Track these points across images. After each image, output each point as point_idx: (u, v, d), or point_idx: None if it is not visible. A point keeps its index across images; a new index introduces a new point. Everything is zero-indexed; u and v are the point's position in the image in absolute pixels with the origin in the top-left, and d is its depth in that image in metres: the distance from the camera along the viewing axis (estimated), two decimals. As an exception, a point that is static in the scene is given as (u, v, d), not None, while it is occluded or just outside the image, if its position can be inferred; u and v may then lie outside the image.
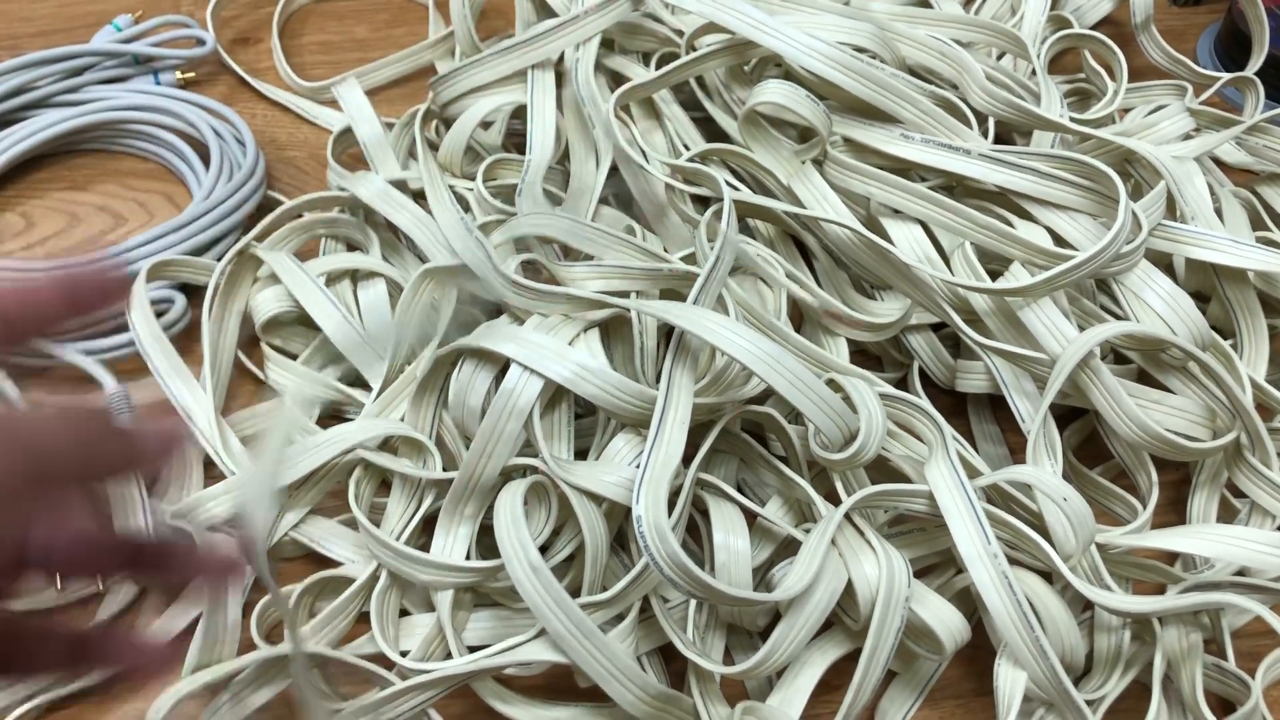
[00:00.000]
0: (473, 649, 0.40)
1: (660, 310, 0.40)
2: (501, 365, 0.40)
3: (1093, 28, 0.66)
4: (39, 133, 0.57)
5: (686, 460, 0.39)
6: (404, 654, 0.40)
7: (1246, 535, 0.39)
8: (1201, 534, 0.41)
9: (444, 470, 0.43)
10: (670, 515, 0.37)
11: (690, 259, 0.47)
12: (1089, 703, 0.38)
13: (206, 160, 0.57)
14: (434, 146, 0.55)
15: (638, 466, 0.39)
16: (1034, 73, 0.55)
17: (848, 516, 0.39)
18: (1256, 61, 0.62)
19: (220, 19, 0.66)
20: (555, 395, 0.41)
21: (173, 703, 0.37)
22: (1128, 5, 0.65)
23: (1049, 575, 0.40)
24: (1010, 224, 0.46)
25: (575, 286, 0.45)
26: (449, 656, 0.40)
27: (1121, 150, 0.49)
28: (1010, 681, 0.38)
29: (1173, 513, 0.47)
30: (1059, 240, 0.46)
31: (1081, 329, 0.44)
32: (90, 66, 0.61)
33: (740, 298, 0.44)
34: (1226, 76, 0.61)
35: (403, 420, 0.44)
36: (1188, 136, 0.56)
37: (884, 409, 0.40)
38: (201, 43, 0.63)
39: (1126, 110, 0.60)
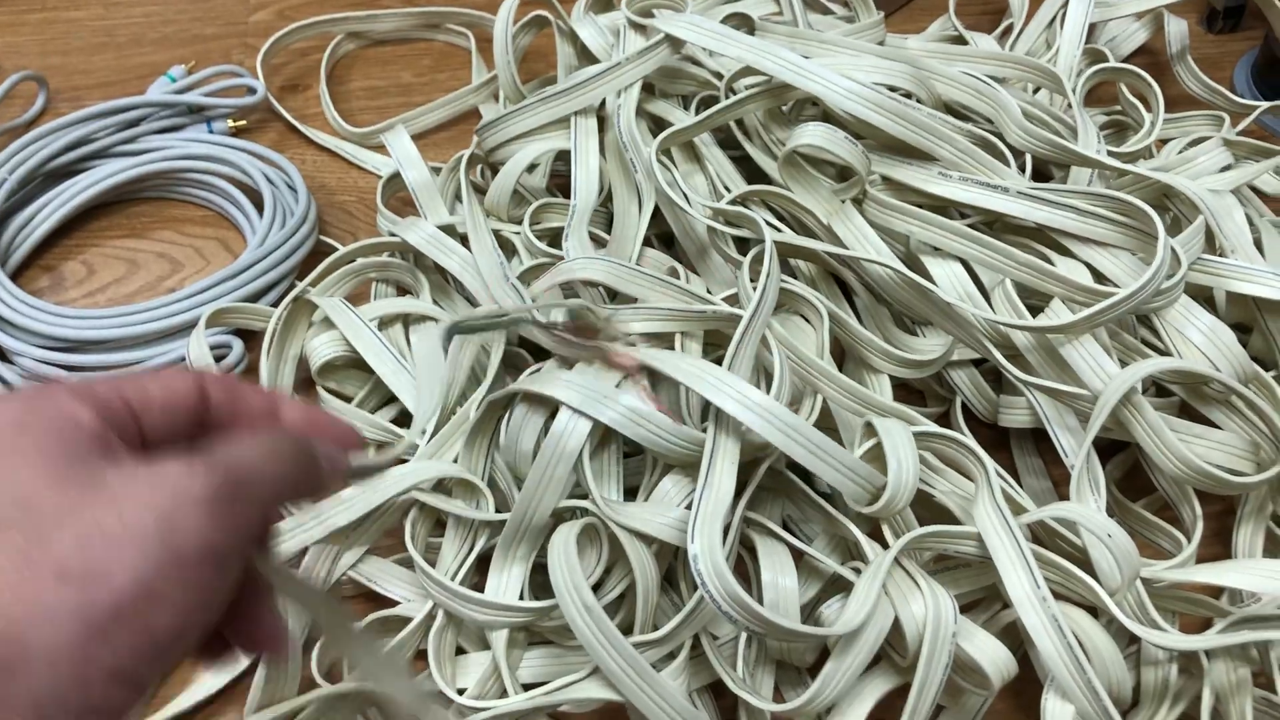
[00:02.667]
0: (527, 686, 0.41)
1: (679, 374, 0.40)
2: (552, 408, 0.41)
3: (1128, 58, 0.67)
4: (99, 183, 0.59)
5: (734, 498, 0.40)
6: (461, 691, 0.41)
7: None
8: (1247, 568, 0.41)
9: (496, 511, 0.44)
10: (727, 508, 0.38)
11: (733, 299, 0.48)
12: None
13: (260, 206, 0.59)
14: (481, 190, 0.57)
15: (687, 507, 0.40)
16: (1070, 107, 0.55)
17: (895, 558, 0.39)
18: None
19: (269, 67, 0.68)
20: (604, 436, 0.42)
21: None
22: (1163, 34, 0.65)
23: (1095, 609, 0.41)
24: (1050, 261, 0.47)
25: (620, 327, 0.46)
26: (504, 694, 0.41)
27: (1159, 185, 0.49)
28: (1058, 716, 0.38)
29: (1218, 544, 0.47)
30: (1099, 276, 0.46)
31: (1123, 364, 0.44)
32: (146, 117, 0.63)
33: (782, 337, 0.45)
34: (1264, 106, 0.61)
35: (456, 462, 0.45)
36: (1226, 168, 0.56)
37: (918, 457, 0.40)
38: (252, 91, 0.65)
39: (1165, 141, 0.60)
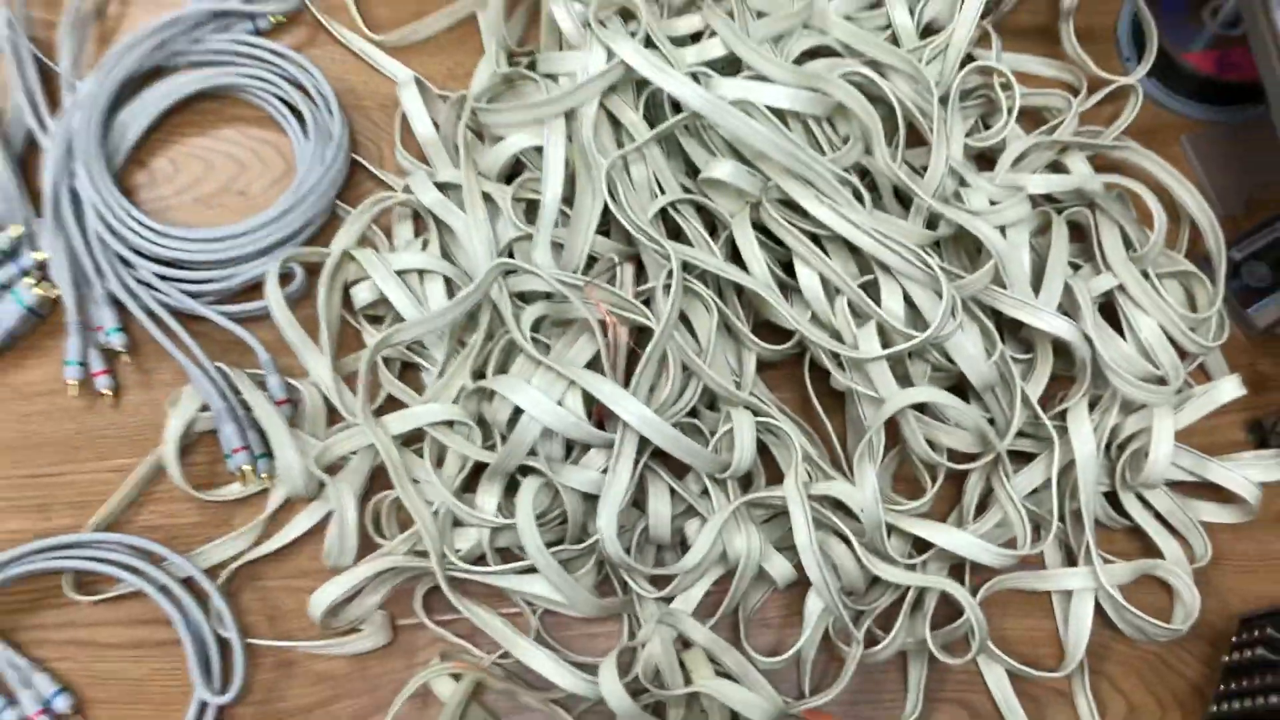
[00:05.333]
0: (501, 552, 0.67)
1: (601, 394, 0.61)
2: (519, 399, 0.63)
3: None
4: (183, 88, 0.75)
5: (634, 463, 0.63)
6: (456, 552, 0.67)
7: (964, 535, 0.64)
8: (944, 532, 0.65)
9: (485, 440, 0.66)
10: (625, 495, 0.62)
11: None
12: (862, 612, 0.65)
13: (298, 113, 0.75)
14: (478, 135, 0.73)
15: (603, 471, 0.63)
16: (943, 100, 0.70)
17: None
18: (1145, 65, 0.75)
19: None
20: (554, 410, 0.64)
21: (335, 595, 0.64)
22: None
23: (847, 538, 0.65)
24: (876, 284, 0.66)
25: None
26: (483, 559, 0.66)
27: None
28: (812, 605, 0.65)
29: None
30: (910, 302, 0.66)
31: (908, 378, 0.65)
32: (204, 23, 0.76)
33: (679, 349, 0.65)
34: (1117, 82, 0.75)
35: (457, 401, 0.67)
36: (1057, 159, 0.72)
37: (756, 440, 0.63)
38: (291, -10, 0.78)
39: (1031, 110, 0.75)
